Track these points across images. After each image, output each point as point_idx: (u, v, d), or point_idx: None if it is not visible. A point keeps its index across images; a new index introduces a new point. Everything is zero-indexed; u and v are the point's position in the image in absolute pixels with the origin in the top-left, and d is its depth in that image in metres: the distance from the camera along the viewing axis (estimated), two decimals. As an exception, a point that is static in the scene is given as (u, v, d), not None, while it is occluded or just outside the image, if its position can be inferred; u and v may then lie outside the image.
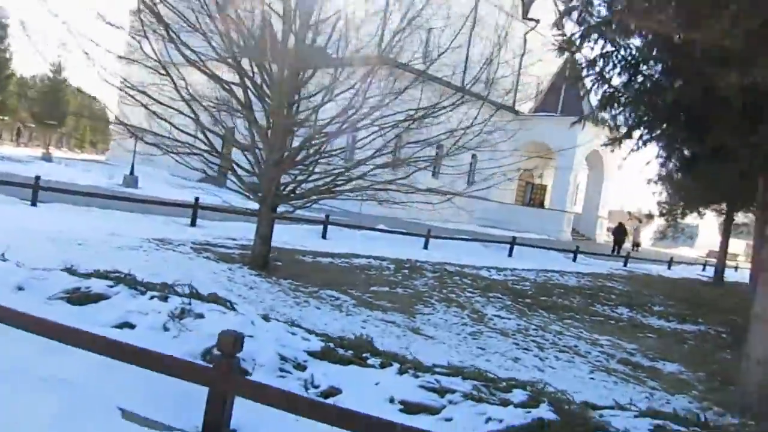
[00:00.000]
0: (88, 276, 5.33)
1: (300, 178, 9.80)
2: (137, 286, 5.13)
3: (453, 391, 4.22)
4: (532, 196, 36.51)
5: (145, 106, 9.83)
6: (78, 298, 4.74)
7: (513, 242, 19.07)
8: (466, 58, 24.35)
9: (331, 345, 4.72)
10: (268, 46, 9.43)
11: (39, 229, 9.35)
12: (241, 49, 9.68)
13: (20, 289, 4.79)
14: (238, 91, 9.95)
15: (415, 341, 7.01)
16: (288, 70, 9.60)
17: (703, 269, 25.77)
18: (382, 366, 4.53)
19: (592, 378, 6.87)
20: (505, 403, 4.16)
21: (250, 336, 4.51)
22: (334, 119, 9.69)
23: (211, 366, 3.55)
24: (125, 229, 11.01)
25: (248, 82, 9.61)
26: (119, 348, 3.69)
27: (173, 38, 9.31)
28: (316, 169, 9.98)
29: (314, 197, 9.80)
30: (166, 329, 4.43)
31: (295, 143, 10.19)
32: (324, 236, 15.55)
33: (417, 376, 4.39)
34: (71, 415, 3.37)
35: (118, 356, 3.68)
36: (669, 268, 24.08)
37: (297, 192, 10.03)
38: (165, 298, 4.87)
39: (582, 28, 9.43)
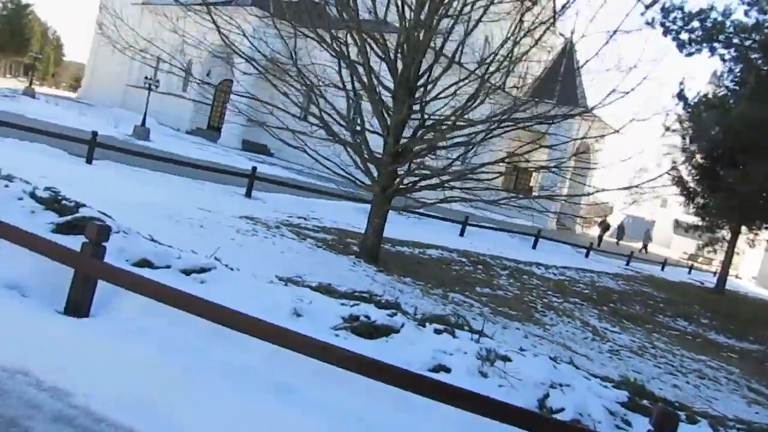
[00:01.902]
0: (345, 296, 4.83)
1: (418, 170, 9.28)
2: (406, 314, 4.66)
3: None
4: (519, 182, 36.89)
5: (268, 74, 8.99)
6: (365, 329, 4.22)
7: (537, 235, 19.22)
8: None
9: (628, 393, 4.46)
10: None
11: (133, 199, 8.48)
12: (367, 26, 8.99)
13: (298, 315, 4.21)
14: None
15: (585, 363, 6.85)
16: (411, 57, 8.94)
17: (689, 272, 26.97)
18: (691, 421, 4.33)
19: (757, 413, 6.96)
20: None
21: (567, 385, 4.19)
22: (451, 116, 9.23)
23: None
24: (202, 201, 10.21)
25: (374, 61, 8.92)
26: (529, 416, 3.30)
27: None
28: (433, 163, 9.52)
29: (441, 189, 9.31)
30: (483, 375, 4.03)
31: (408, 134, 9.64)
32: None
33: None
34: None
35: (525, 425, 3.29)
36: (662, 270, 25.07)
37: (406, 184, 9.52)
38: (452, 333, 4.44)
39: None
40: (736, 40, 13.96)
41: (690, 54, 13.37)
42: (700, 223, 19.86)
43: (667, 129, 16.13)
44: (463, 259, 12.23)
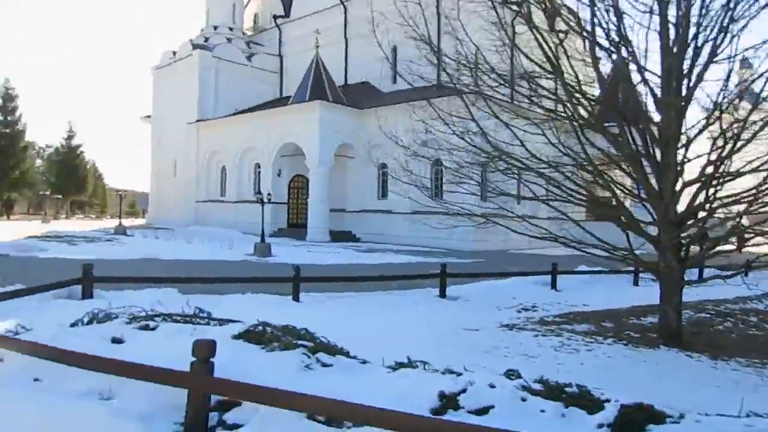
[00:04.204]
0: None
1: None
2: None
3: None
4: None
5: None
6: None
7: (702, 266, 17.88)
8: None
9: None
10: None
11: (401, 337, 7.53)
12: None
13: None
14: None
15: None
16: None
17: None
18: None
19: None
20: None
21: None
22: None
23: None
24: (434, 316, 9.44)
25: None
26: None
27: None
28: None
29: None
30: None
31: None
32: (554, 286, 13.87)
33: None
34: None
35: None
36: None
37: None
38: None
39: None
40: None
41: None
42: None
43: None
44: (704, 315, 11.02)
